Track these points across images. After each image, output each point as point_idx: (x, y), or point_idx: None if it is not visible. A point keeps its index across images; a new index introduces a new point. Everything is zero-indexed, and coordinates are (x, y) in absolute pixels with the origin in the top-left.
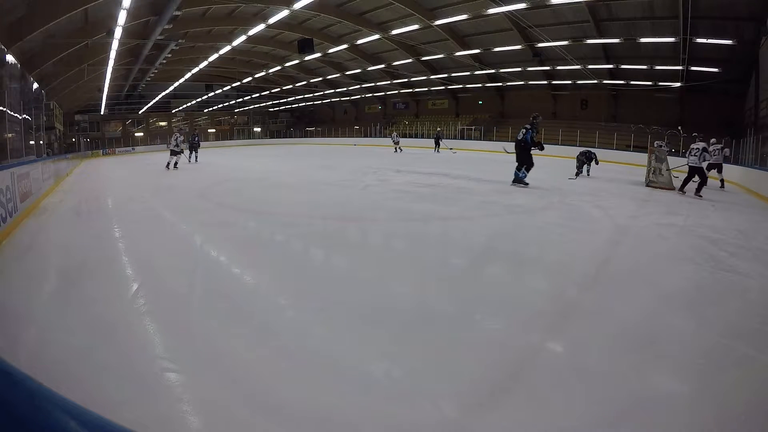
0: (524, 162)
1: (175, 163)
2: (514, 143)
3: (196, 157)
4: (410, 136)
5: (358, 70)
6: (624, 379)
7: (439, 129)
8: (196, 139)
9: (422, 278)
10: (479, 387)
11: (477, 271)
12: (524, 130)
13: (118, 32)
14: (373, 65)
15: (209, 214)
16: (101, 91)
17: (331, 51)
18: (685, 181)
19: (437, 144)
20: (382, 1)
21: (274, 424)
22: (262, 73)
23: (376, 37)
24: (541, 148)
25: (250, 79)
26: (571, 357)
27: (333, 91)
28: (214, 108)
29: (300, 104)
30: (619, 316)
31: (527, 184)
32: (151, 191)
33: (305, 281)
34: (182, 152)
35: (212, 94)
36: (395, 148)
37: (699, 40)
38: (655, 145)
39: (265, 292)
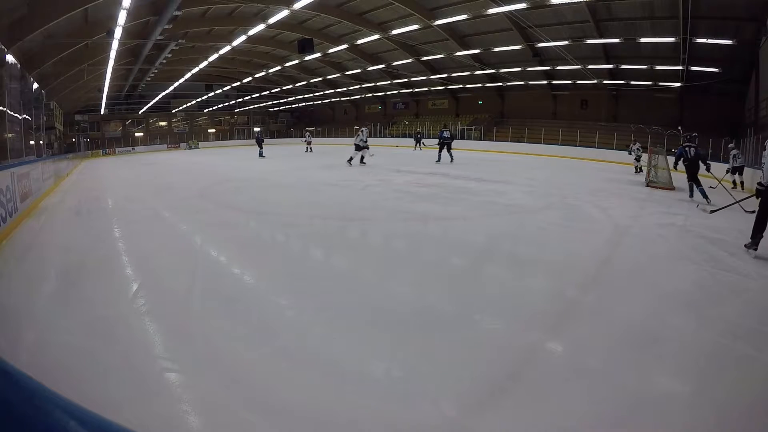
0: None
1: (362, 158)
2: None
3: (261, 153)
4: (410, 137)
5: (358, 70)
6: (624, 379)
7: (419, 130)
8: (260, 136)
9: (422, 278)
10: (479, 387)
11: (477, 271)
12: (694, 147)
13: (118, 32)
14: (373, 65)
15: (209, 214)
16: (101, 91)
17: (331, 51)
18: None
19: (418, 142)
20: (382, 1)
21: (274, 424)
22: (262, 73)
23: (376, 37)
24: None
25: (250, 79)
26: (571, 357)
27: (333, 91)
28: (214, 108)
29: (300, 104)
30: (619, 316)
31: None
32: (151, 191)
33: (305, 281)
34: (367, 148)
35: (212, 94)
36: (306, 148)
37: (699, 40)
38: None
39: (265, 292)
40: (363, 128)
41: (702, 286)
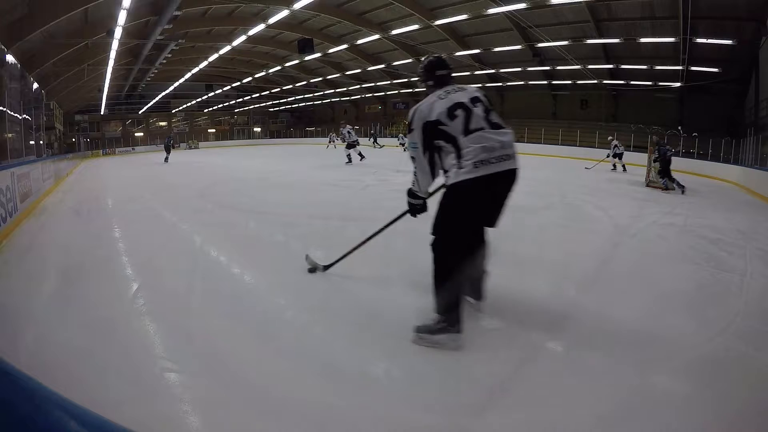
0: None
1: (360, 154)
2: None
3: (167, 158)
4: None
5: (358, 70)
6: (624, 379)
7: (373, 131)
8: (170, 140)
9: (422, 278)
10: (479, 387)
11: None
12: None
13: (118, 32)
14: (373, 65)
15: (209, 214)
16: (101, 91)
17: (331, 51)
18: None
19: (375, 140)
20: (382, 1)
21: (273, 424)
22: (262, 73)
23: (376, 37)
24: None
25: (250, 79)
26: (571, 357)
27: (333, 91)
28: (214, 108)
29: (300, 104)
30: (619, 316)
31: None
32: (151, 191)
33: (305, 281)
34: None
35: (212, 94)
36: (330, 145)
37: (699, 40)
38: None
39: (265, 292)
40: (347, 125)
41: (702, 286)
